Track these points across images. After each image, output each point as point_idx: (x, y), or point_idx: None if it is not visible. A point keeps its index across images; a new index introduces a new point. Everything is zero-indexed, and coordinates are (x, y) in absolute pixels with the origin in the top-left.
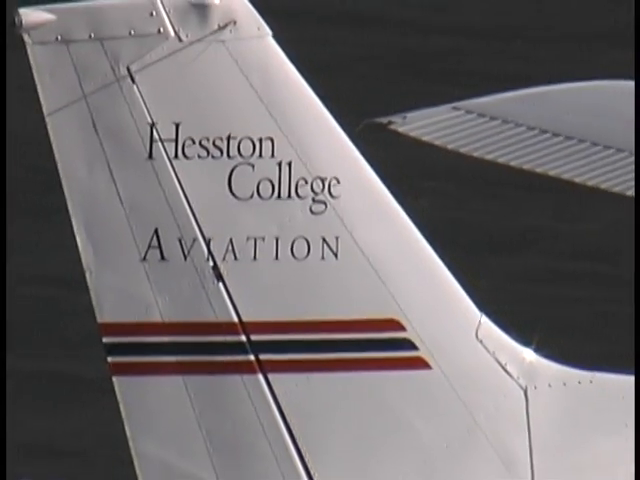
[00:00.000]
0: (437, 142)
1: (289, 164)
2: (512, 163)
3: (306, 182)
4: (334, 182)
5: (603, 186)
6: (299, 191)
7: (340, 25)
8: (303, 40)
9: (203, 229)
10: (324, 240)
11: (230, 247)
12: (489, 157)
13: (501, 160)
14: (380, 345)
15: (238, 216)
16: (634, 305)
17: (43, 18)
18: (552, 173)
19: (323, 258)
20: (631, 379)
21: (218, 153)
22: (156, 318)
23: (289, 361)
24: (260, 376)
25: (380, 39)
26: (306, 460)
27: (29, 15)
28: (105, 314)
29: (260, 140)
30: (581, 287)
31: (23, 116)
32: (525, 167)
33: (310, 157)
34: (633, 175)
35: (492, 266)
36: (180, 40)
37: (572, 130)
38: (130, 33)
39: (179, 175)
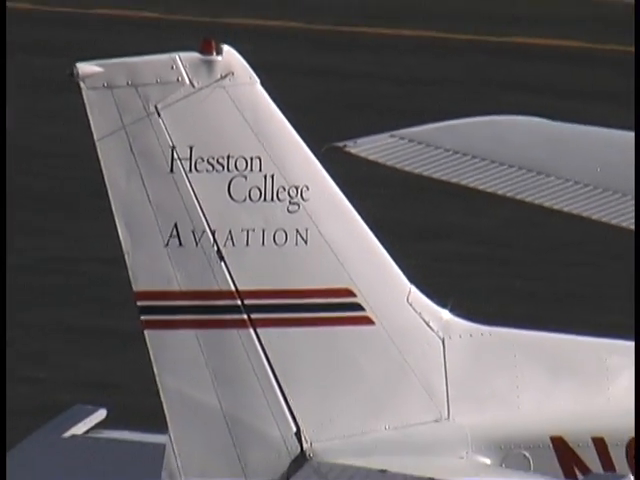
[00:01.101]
0: (379, 160)
1: (272, 176)
2: (434, 175)
3: (284, 189)
4: (305, 189)
5: (500, 192)
6: (279, 196)
7: (307, 76)
8: (281, 86)
9: (210, 223)
10: (297, 231)
11: (229, 236)
12: (417, 171)
13: (425, 173)
14: (338, 307)
15: (235, 214)
16: (634, 304)
17: (94, 70)
18: (463, 182)
19: (296, 244)
20: (516, 331)
21: (220, 168)
22: (175, 287)
23: (272, 319)
24: (251, 330)
25: (338, 86)
26: (284, 391)
27: (84, 68)
28: (138, 284)
29: (251, 159)
30: (482, 265)
31: (86, 142)
32: (443, 178)
33: (287, 171)
34: (522, 183)
35: (419, 250)
36: (193, 86)
37: (478, 152)
38: (157, 81)
39: (192, 184)
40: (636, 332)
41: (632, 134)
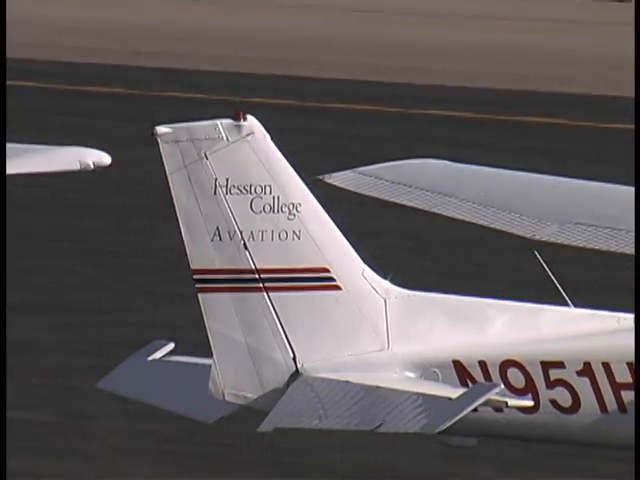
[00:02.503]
0: (345, 187)
1: (278, 197)
2: (378, 196)
3: (285, 205)
4: (298, 205)
5: (420, 207)
6: (282, 209)
7: (300, 133)
8: (282, 140)
9: (239, 226)
10: (294, 232)
11: (251, 235)
12: (368, 193)
13: (373, 195)
14: (319, 279)
15: (254, 221)
16: (635, 306)
17: (166, 131)
18: (397, 201)
19: (293, 240)
20: (430, 294)
21: (245, 192)
22: (216, 266)
23: (277, 287)
24: (264, 293)
25: (319, 141)
26: (285, 331)
27: (160, 129)
28: (194, 264)
29: (264, 186)
30: (410, 252)
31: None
32: (383, 198)
33: (287, 194)
34: (432, 201)
35: (369, 242)
36: (228, 141)
37: (405, 182)
38: (205, 137)
39: (228, 202)
40: (636, 330)
41: (514, 173)
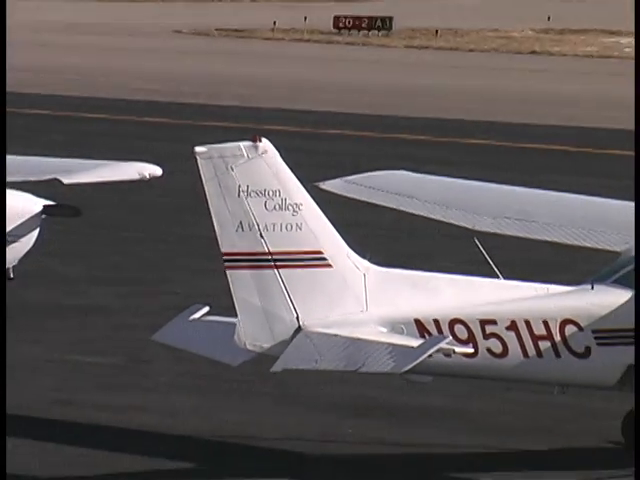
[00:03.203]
0: (335, 192)
1: (285, 199)
2: (358, 198)
3: (290, 205)
4: (300, 204)
5: (390, 206)
6: (288, 208)
7: (301, 153)
8: (288, 156)
9: (256, 220)
10: (297, 224)
11: (265, 227)
12: (351, 196)
13: (355, 197)
14: (315, 259)
15: (268, 217)
16: (635, 309)
17: (202, 150)
18: (373, 201)
19: (296, 230)
20: (398, 270)
21: (261, 195)
22: (240, 250)
23: (285, 265)
24: (276, 271)
25: (312, 159)
26: (291, 297)
27: (198, 149)
28: (223, 248)
29: (274, 190)
30: (381, 239)
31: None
32: (363, 199)
33: (291, 196)
34: (397, 201)
35: (351, 231)
36: (248, 158)
37: (378, 187)
38: (231, 155)
39: (248, 203)
40: (636, 328)
41: (459, 180)
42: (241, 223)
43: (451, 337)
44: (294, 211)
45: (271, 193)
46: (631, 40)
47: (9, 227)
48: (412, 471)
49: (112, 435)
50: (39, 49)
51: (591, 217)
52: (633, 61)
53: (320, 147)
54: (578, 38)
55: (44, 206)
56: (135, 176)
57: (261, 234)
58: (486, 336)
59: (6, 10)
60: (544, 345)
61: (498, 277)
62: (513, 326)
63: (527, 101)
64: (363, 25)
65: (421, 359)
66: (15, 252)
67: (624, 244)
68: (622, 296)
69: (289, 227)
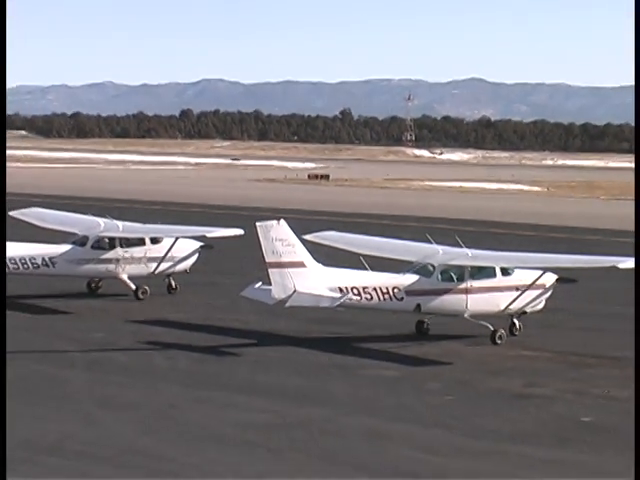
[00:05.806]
0: (310, 239)
1: (289, 241)
2: (319, 242)
3: (291, 244)
4: (295, 244)
5: (337, 246)
6: (290, 245)
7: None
8: (291, 225)
9: (280, 250)
10: (294, 251)
11: (282, 253)
12: (315, 241)
13: (315, 241)
14: (301, 265)
15: (283, 248)
16: (634, 309)
17: (260, 224)
18: (324, 242)
19: (293, 253)
20: (335, 269)
21: (281, 241)
22: (272, 261)
23: (290, 267)
24: (288, 269)
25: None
26: (294, 281)
27: (258, 223)
28: (267, 260)
29: (285, 239)
30: (327, 257)
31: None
32: (319, 242)
33: (291, 241)
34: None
35: (317, 254)
36: (274, 225)
37: (326, 238)
38: (270, 225)
39: (275, 244)
40: (636, 332)
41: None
42: (273, 252)
43: (350, 293)
44: (293, 247)
45: (284, 239)
46: None
47: (191, 259)
48: None
49: None
50: None
51: (401, 250)
52: None
53: (304, 224)
54: None
55: (200, 246)
56: (232, 234)
57: (280, 255)
58: (364, 292)
59: (6, 10)
60: (386, 296)
61: (367, 269)
62: (376, 288)
63: None
64: (319, 177)
65: (341, 302)
66: (186, 265)
67: (415, 259)
68: (413, 278)
69: (291, 252)
